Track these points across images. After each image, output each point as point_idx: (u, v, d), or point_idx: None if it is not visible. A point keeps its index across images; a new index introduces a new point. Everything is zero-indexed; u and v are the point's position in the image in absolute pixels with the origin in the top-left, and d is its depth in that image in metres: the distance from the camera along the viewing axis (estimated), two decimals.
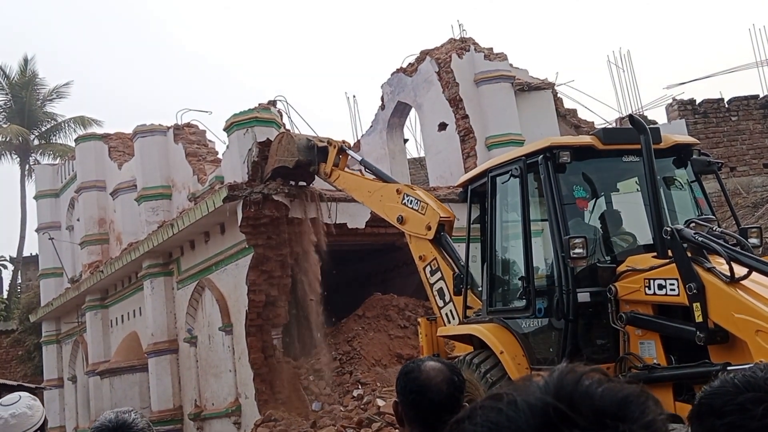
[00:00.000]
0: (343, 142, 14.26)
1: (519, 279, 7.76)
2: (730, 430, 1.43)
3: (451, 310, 9.65)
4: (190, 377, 18.59)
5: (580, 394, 0.96)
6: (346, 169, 13.63)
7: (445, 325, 9.67)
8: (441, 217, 10.20)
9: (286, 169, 14.97)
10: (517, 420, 0.95)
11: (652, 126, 7.49)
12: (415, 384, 2.68)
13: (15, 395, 3.52)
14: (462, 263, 9.50)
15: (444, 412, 2.62)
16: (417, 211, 10.59)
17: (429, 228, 10.25)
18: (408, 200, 10.84)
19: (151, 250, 18.92)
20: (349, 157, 13.81)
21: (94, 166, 23.88)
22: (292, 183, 15.61)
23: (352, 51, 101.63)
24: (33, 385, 17.75)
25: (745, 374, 1.49)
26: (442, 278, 9.96)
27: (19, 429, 3.35)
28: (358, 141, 23.22)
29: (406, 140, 24.16)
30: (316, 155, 14.09)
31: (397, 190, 11.21)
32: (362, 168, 13.48)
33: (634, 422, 0.95)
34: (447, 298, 9.82)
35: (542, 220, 7.78)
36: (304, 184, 15.74)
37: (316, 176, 14.87)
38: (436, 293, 10.08)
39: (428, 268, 10.24)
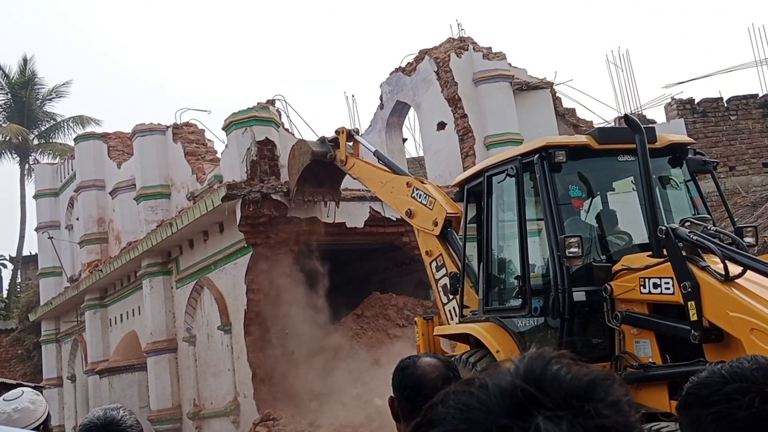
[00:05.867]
0: (352, 129, 14.51)
1: (515, 278, 7.76)
2: (716, 420, 1.44)
3: (454, 307, 9.61)
4: (188, 376, 18.60)
5: (549, 377, 0.99)
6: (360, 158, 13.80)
7: (448, 322, 9.67)
8: (448, 213, 10.07)
9: (308, 179, 15.21)
10: (488, 402, 0.98)
11: (647, 125, 7.51)
12: (411, 379, 2.70)
13: (18, 390, 3.52)
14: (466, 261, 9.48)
15: None
16: (425, 205, 10.46)
17: (436, 224, 10.14)
18: (417, 194, 10.72)
19: (150, 249, 18.94)
20: (360, 145, 13.94)
21: (93, 166, 23.88)
22: (319, 199, 15.82)
23: (351, 50, 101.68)
24: (32, 384, 17.71)
25: (732, 365, 1.51)
26: (447, 275, 9.91)
27: (22, 423, 3.35)
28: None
29: (404, 140, 24.15)
30: (330, 146, 14.36)
31: (408, 183, 11.08)
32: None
33: (599, 402, 0.97)
34: (451, 295, 9.80)
35: (538, 220, 7.78)
36: (333, 201, 15.99)
37: (341, 186, 15.32)
38: (440, 289, 10.03)
39: (434, 264, 10.17)
